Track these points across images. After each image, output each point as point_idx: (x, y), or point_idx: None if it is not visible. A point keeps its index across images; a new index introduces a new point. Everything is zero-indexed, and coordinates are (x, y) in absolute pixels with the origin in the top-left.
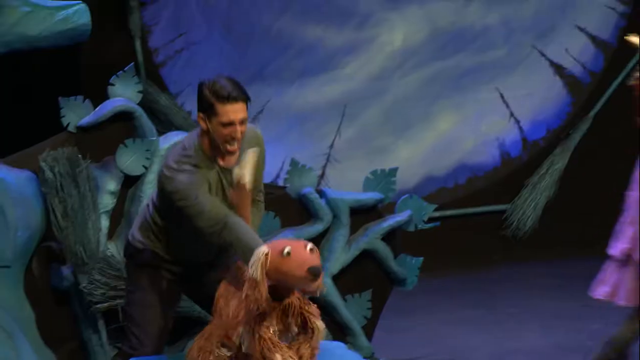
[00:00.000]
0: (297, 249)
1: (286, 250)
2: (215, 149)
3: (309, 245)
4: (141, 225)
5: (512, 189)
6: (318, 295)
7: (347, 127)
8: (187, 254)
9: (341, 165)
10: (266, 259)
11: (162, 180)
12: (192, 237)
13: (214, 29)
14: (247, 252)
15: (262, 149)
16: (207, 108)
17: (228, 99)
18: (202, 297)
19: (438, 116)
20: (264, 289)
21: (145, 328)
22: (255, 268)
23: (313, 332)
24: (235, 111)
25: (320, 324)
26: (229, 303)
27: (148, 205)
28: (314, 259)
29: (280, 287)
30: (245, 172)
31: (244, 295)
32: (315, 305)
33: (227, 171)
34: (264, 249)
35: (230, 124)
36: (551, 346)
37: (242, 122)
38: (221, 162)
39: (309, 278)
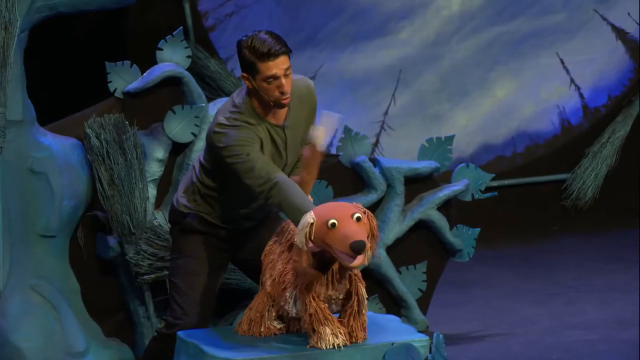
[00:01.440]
0: (343, 221)
1: (331, 222)
2: (264, 106)
3: (357, 215)
4: (186, 189)
5: (572, 158)
6: (360, 267)
7: (402, 94)
8: (234, 217)
9: (396, 132)
10: (311, 228)
11: (212, 137)
12: (239, 198)
13: None
14: (296, 214)
15: (314, 102)
16: (249, 68)
17: (269, 55)
18: (250, 265)
19: (496, 82)
20: (306, 258)
21: (190, 297)
22: (300, 236)
23: (359, 301)
24: (277, 65)
25: (364, 293)
26: (275, 266)
27: (194, 167)
28: (359, 233)
29: (327, 253)
30: (320, 135)
31: (292, 261)
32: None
33: (279, 128)
34: (309, 217)
35: (275, 77)
36: (611, 320)
37: (287, 73)
38: (272, 120)
39: (350, 254)
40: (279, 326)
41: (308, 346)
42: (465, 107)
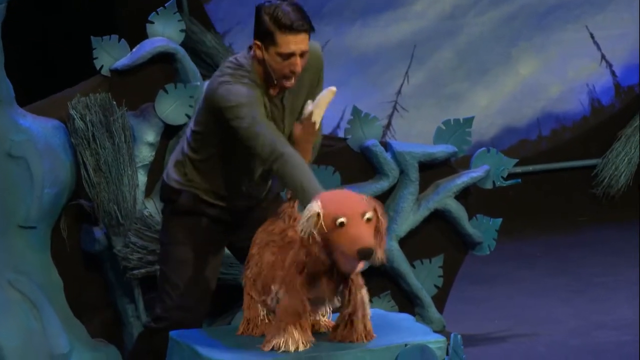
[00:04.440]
0: (353, 221)
1: (340, 220)
2: (267, 78)
3: (368, 215)
4: (177, 162)
5: (603, 142)
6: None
7: (416, 72)
8: (230, 192)
9: (409, 114)
10: (318, 219)
11: (214, 95)
12: (237, 170)
13: None
14: (300, 193)
15: (321, 68)
16: (265, 36)
17: (290, 29)
18: (246, 254)
19: (519, 59)
20: (317, 249)
21: (181, 288)
22: (305, 226)
23: (355, 308)
24: (297, 42)
25: (364, 294)
26: (263, 256)
27: (185, 136)
28: (369, 237)
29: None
30: (318, 111)
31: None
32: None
33: (276, 99)
34: (316, 207)
35: (291, 55)
36: None
37: (303, 54)
38: (271, 92)
39: (355, 260)
40: None
41: (263, 347)
42: (486, 86)
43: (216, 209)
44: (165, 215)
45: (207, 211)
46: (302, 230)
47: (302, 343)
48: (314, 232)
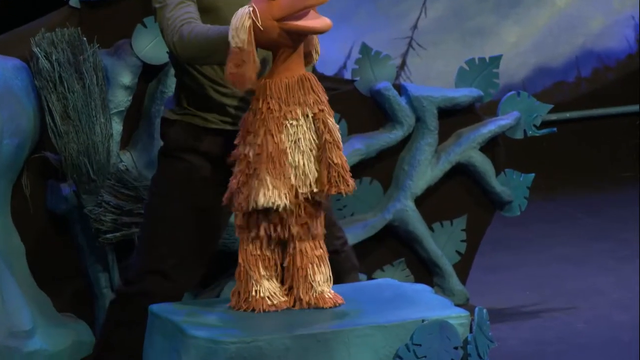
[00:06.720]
0: None
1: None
2: None
3: None
4: (175, 88)
5: None
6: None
7: (435, 2)
8: (220, 97)
9: (427, 52)
10: (255, 15)
11: None
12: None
13: None
14: (218, 39)
15: None
16: None
17: None
18: None
19: None
20: (253, 59)
21: (163, 248)
22: (238, 33)
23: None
24: None
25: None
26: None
27: None
28: None
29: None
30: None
31: (227, 74)
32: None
33: None
34: (245, 9)
35: None
36: None
37: None
38: None
39: (306, 14)
40: (278, 299)
41: (229, 304)
42: (516, 19)
43: (214, 135)
44: (159, 156)
45: (204, 145)
46: (236, 40)
47: (278, 194)
48: (252, 35)
